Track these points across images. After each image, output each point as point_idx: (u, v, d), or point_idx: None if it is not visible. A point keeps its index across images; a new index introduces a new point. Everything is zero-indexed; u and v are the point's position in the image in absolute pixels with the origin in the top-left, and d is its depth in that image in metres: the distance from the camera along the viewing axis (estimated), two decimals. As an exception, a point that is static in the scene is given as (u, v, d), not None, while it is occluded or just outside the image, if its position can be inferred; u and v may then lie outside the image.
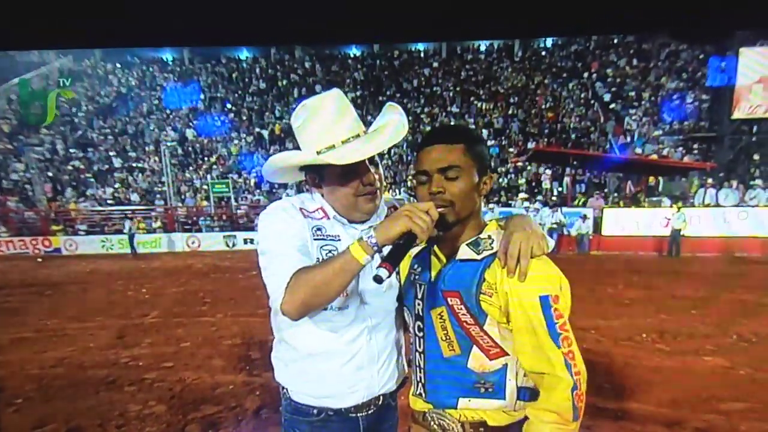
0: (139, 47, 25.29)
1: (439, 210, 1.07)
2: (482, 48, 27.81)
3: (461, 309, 1.12)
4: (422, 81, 25.69)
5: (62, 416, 3.39)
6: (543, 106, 22.20)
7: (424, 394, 1.24)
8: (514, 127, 21.34)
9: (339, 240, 1.27)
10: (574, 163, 15.55)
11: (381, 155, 1.30)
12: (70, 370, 4.37)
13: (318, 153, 1.22)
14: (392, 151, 19.97)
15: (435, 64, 27.04)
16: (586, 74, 23.02)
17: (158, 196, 18.83)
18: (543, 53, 26.25)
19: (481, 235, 1.16)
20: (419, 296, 1.23)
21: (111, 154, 21.32)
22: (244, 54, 29.13)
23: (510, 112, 22.41)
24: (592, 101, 21.47)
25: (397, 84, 25.59)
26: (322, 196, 1.31)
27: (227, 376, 4.06)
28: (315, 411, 1.29)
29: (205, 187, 18.59)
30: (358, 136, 1.23)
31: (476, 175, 1.13)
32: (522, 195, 15.57)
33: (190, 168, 20.57)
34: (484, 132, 21.13)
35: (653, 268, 10.08)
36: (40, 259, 14.49)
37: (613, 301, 6.77)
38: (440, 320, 1.17)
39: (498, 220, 1.22)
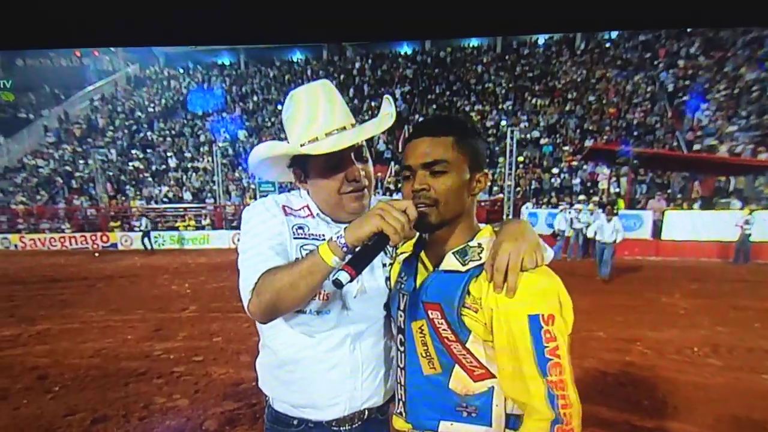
0: (201, 45, 26.53)
1: (420, 209, 0.95)
2: (540, 41, 26.75)
3: (441, 323, 1.01)
4: (473, 77, 25.01)
5: (91, 406, 3.49)
6: (603, 101, 20.99)
7: (404, 414, 1.14)
8: (570, 124, 20.32)
9: (322, 239, 1.16)
10: (635, 162, 14.55)
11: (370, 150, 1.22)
12: (106, 360, 4.54)
13: (301, 146, 1.14)
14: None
15: (487, 60, 26.30)
16: (653, 66, 21.45)
17: (209, 194, 19.53)
18: (607, 45, 24.81)
19: (471, 243, 1.03)
20: (401, 307, 1.12)
21: (168, 154, 22.42)
22: (297, 56, 29.83)
23: (567, 108, 21.34)
24: (659, 95, 20.01)
25: (447, 81, 25.12)
26: (308, 193, 1.24)
27: (251, 373, 4.01)
28: (295, 422, 1.22)
29: (252, 186, 19.07)
30: (344, 128, 1.15)
31: (467, 172, 1.01)
32: (581, 197, 14.72)
33: (239, 168, 21.19)
34: (537, 130, 20.30)
35: (716, 276, 9.30)
36: (96, 254, 15.44)
37: (666, 311, 6.26)
38: (420, 335, 1.06)
39: (494, 225, 1.09)
